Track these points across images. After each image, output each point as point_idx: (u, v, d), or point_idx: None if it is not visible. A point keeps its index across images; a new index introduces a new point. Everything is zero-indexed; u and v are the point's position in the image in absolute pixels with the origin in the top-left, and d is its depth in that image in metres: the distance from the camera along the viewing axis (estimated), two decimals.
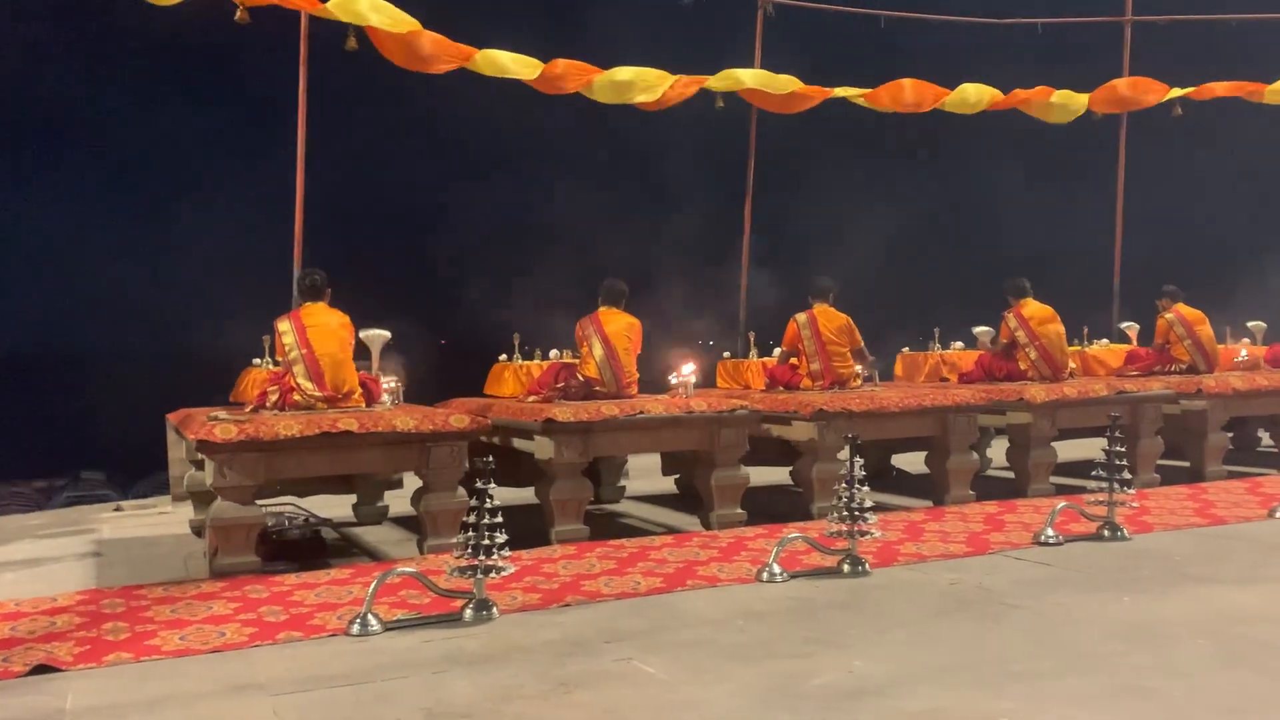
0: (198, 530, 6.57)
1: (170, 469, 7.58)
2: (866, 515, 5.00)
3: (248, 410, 5.84)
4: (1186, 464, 8.08)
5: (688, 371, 6.61)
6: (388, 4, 7.60)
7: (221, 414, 5.59)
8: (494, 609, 4.35)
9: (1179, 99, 10.85)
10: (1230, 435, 8.16)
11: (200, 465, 6.11)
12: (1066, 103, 10.55)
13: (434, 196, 9.73)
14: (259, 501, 5.45)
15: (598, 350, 6.58)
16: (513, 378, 7.38)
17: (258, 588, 4.92)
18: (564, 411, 5.94)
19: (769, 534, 5.93)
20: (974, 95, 10.11)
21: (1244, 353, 9.09)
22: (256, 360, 7.10)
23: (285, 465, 5.38)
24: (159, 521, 7.46)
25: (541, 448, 6.02)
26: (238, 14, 7.13)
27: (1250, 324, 10.08)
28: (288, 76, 7.72)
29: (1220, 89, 10.80)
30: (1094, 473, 5.76)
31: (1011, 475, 7.53)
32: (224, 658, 3.91)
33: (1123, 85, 10.89)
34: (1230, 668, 3.51)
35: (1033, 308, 7.85)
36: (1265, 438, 9.92)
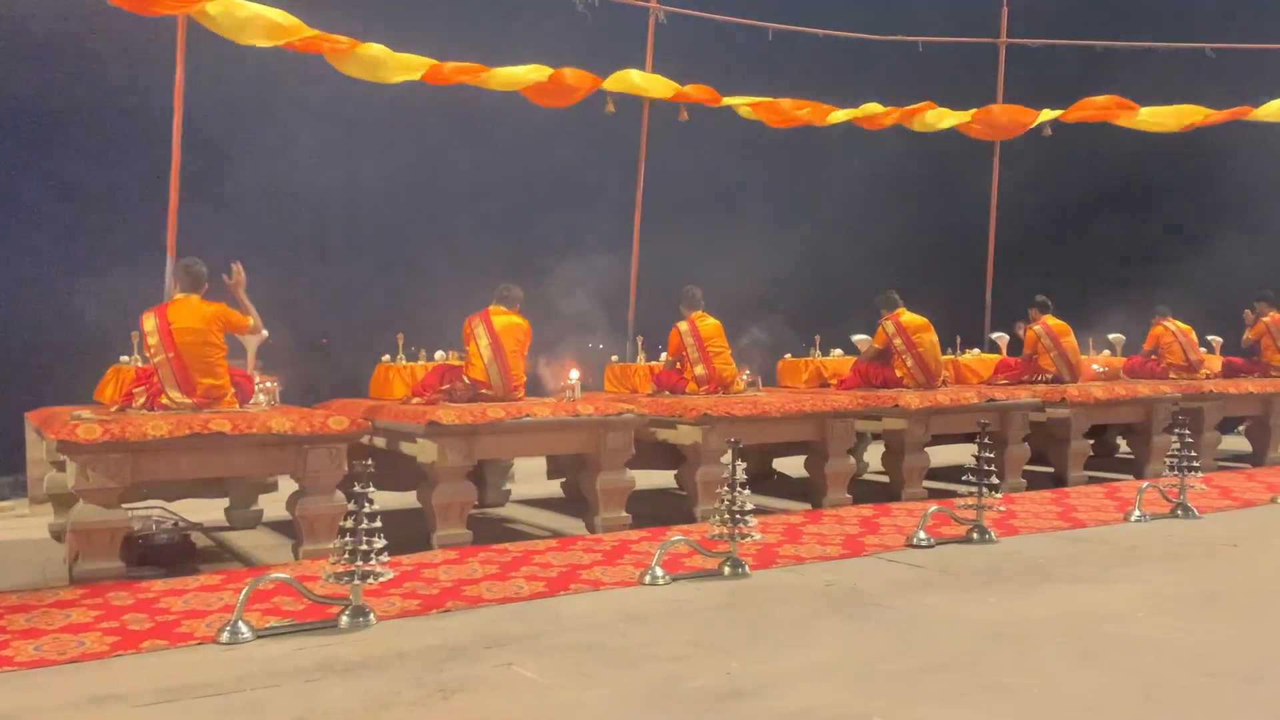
0: (58, 535, 6.28)
1: (29, 470, 7.22)
2: (747, 518, 5.08)
3: (113, 410, 5.60)
4: (1051, 469, 8.46)
5: (574, 376, 6.62)
6: (268, 9, 7.45)
7: (85, 413, 5.34)
8: (371, 615, 4.27)
9: (1049, 121, 11.38)
10: (1091, 442, 8.57)
11: (62, 467, 5.84)
12: (943, 120, 11.04)
13: (318, 187, 9.48)
14: (125, 505, 5.23)
15: (485, 349, 6.51)
16: (397, 379, 7.26)
17: (121, 594, 4.72)
18: (448, 414, 5.87)
19: (653, 537, 5.97)
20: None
21: (1098, 366, 9.55)
22: (124, 357, 6.80)
23: (153, 467, 5.17)
24: (15, 525, 7.09)
25: (424, 450, 5.94)
26: None
27: (1111, 336, 10.60)
28: (164, 47, 7.45)
29: (1091, 109, 11.35)
30: (964, 477, 5.98)
31: (887, 479, 7.75)
32: (82, 668, 3.74)
33: (997, 110, 11.40)
34: (1086, 665, 3.68)
35: (908, 317, 8.10)
36: (1123, 445, 10.45)
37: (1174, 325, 9.85)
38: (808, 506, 7.19)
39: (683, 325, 7.55)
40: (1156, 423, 8.58)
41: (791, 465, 8.43)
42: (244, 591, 4.18)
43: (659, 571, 4.98)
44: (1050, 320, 8.90)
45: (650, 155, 10.03)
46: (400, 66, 8.23)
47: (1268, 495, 7.43)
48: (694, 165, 11.05)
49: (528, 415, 6.10)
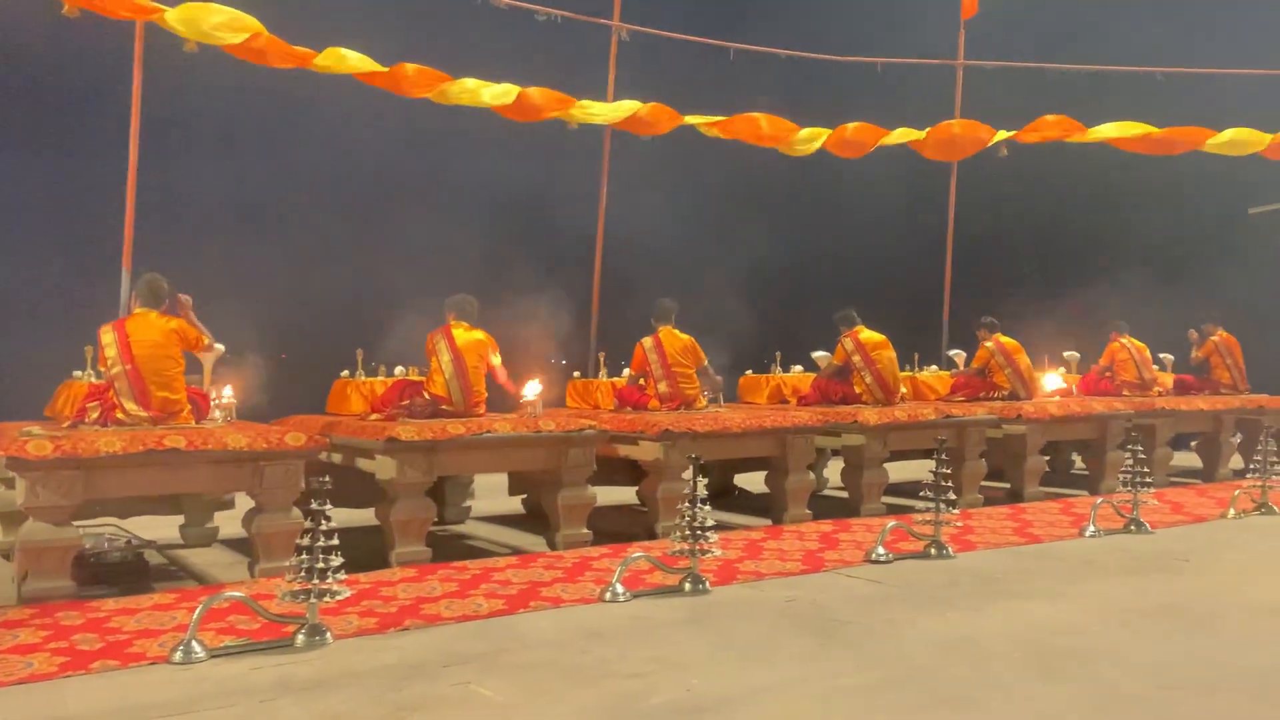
0: (6, 553, 6.14)
1: None
2: (708, 534, 5.08)
3: (65, 426, 5.50)
4: (1007, 485, 8.56)
5: (535, 390, 6.58)
6: (227, 9, 7.37)
7: (35, 429, 5.25)
8: (328, 634, 4.22)
9: (1005, 140, 11.54)
10: (1047, 458, 8.68)
11: (10, 484, 5.72)
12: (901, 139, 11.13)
13: (276, 201, 9.42)
14: (76, 522, 5.13)
15: (447, 365, 6.46)
16: (356, 395, 7.19)
17: (71, 614, 4.63)
18: (408, 430, 5.83)
19: (614, 553, 5.96)
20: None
21: (1057, 380, 9.68)
22: (77, 372, 6.69)
23: (106, 484, 5.07)
24: None
25: (383, 467, 5.89)
26: (65, 8, 6.78)
27: (1066, 354, 10.76)
28: (122, 56, 7.34)
29: (1045, 128, 11.50)
30: (922, 493, 6.03)
31: (846, 495, 7.80)
32: (30, 690, 3.66)
33: (955, 126, 11.51)
34: (1043, 678, 3.72)
35: (867, 334, 8.17)
36: (1077, 461, 10.60)
37: (1130, 342, 10.03)
38: (768, 522, 7.21)
39: (647, 341, 7.54)
40: (1111, 439, 8.71)
41: (752, 481, 8.46)
42: (198, 610, 4.12)
43: (620, 588, 4.96)
44: (1002, 338, 9.02)
45: (612, 171, 10.05)
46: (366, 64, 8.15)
47: (1218, 510, 7.57)
48: (656, 182, 11.08)
49: (488, 431, 6.07)
